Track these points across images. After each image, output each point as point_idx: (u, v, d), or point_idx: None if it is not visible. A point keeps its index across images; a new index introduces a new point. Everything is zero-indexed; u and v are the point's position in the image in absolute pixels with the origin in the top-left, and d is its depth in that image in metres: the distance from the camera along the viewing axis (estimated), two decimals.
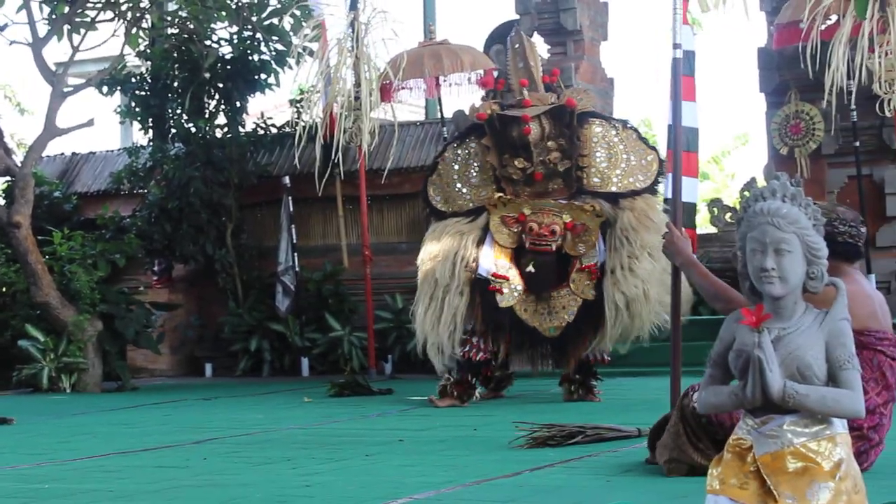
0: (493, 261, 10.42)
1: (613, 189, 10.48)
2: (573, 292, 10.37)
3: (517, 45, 10.89)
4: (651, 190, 10.52)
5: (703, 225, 18.23)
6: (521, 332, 10.44)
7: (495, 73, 12.25)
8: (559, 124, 10.43)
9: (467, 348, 10.41)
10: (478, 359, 10.42)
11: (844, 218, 5.63)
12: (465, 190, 10.75)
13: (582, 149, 10.50)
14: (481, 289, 10.41)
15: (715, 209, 15.83)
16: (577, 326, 10.38)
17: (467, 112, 10.99)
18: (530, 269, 10.36)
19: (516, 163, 10.46)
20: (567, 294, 10.38)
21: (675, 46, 7.27)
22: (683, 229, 6.60)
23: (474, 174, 10.74)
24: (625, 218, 10.32)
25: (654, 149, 10.64)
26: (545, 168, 10.45)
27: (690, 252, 5.96)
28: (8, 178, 15.26)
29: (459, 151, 10.86)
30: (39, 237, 14.35)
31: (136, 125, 16.81)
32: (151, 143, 16.22)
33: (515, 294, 10.40)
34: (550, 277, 10.42)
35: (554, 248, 10.36)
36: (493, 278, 10.38)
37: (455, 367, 10.51)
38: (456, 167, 10.81)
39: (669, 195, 10.15)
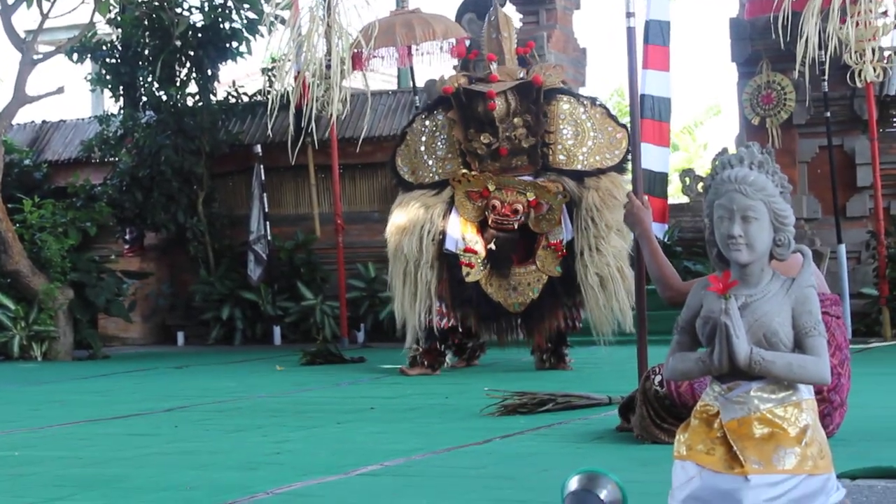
0: (461, 234, 10.42)
1: (579, 167, 10.48)
2: (539, 269, 10.39)
3: (493, 18, 10.88)
4: (619, 168, 10.53)
5: (675, 195, 18.29)
6: (487, 306, 10.45)
7: (467, 43, 12.24)
8: (525, 100, 10.41)
9: (433, 316, 10.43)
10: (443, 326, 10.45)
11: None
12: (430, 162, 10.74)
13: (549, 125, 10.48)
14: (448, 262, 10.43)
15: (687, 179, 15.87)
16: (542, 303, 10.41)
17: (437, 83, 10.96)
18: (491, 246, 10.37)
19: (482, 138, 10.44)
20: (533, 271, 10.40)
21: (629, 15, 7.29)
22: (646, 198, 6.60)
23: (441, 146, 10.73)
24: (590, 198, 10.33)
25: (623, 126, 10.62)
26: (510, 144, 10.44)
27: (649, 224, 5.95)
28: None
29: (427, 123, 10.84)
30: (9, 205, 14.29)
31: (107, 93, 16.76)
32: (122, 112, 16.15)
33: (482, 269, 10.42)
34: (512, 254, 10.45)
35: (516, 226, 10.36)
36: (462, 252, 10.39)
37: (423, 337, 10.53)
38: (423, 139, 10.80)
39: (641, 165, 10.14)
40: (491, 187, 10.41)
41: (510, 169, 10.50)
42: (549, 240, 10.39)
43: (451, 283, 10.42)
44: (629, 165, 10.58)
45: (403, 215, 10.58)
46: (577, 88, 15.53)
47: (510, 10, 15.20)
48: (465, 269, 10.38)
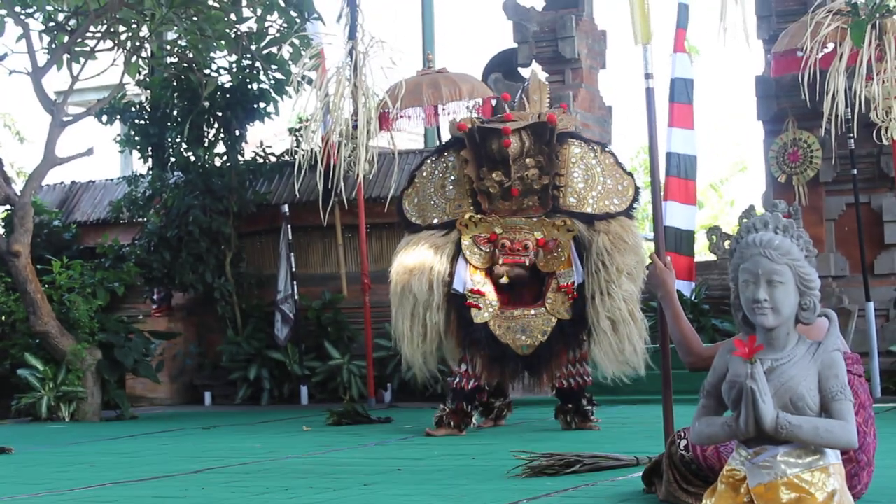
0: (469, 276, 10.44)
1: (589, 210, 10.50)
2: (548, 312, 10.37)
3: (527, 84, 11.02)
4: (627, 213, 10.56)
5: (702, 252, 18.25)
6: (495, 348, 10.43)
7: (493, 102, 12.30)
8: (539, 141, 10.46)
9: (458, 379, 10.43)
10: (469, 387, 10.44)
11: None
12: (440, 202, 10.79)
13: (560, 168, 10.51)
14: (457, 304, 10.43)
15: (714, 237, 15.84)
16: (551, 345, 10.38)
17: (450, 124, 11.05)
18: (504, 280, 10.39)
19: (494, 176, 10.47)
20: (543, 313, 10.39)
21: (647, 77, 7.30)
22: (669, 259, 6.58)
23: (450, 187, 10.78)
24: (600, 241, 10.35)
25: (630, 174, 10.70)
26: (522, 184, 10.48)
27: (672, 286, 5.91)
28: (7, 206, 15.26)
29: (436, 165, 10.91)
30: (39, 266, 14.35)
31: (136, 154, 16.84)
32: (150, 172, 16.24)
33: (490, 310, 10.42)
34: (524, 292, 10.47)
35: (527, 262, 10.39)
36: (469, 293, 10.40)
37: (450, 397, 10.52)
38: (433, 180, 10.85)
39: (667, 223, 10.13)
40: (498, 230, 10.45)
41: (520, 209, 10.54)
42: (559, 282, 10.39)
43: (459, 324, 10.41)
44: (636, 213, 10.68)
45: (411, 256, 10.58)
46: None
47: (536, 69, 15.28)
48: (473, 311, 10.38)
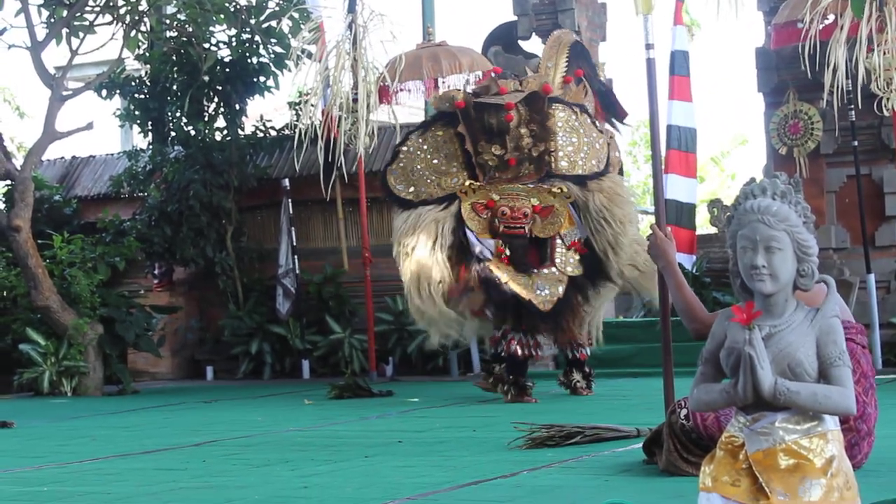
0: (482, 241, 10.59)
1: (580, 171, 10.65)
2: (560, 271, 10.50)
3: (551, 46, 11.20)
4: (605, 172, 10.75)
5: (703, 225, 18.26)
6: (518, 307, 10.50)
7: (493, 75, 12.27)
8: (532, 110, 10.55)
9: (513, 348, 10.56)
10: (521, 356, 10.57)
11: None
12: (433, 177, 10.87)
13: (550, 133, 10.61)
14: (480, 266, 10.53)
15: (715, 209, 15.85)
16: (568, 300, 10.51)
17: (441, 99, 11.18)
18: (506, 252, 10.52)
19: (493, 149, 10.60)
20: (553, 273, 10.51)
21: (648, 47, 7.26)
22: (669, 230, 6.57)
23: (443, 162, 10.87)
24: (597, 200, 10.60)
25: (602, 132, 10.88)
26: (519, 153, 10.57)
27: (673, 256, 5.91)
28: (8, 181, 15.26)
29: (424, 140, 10.99)
30: (39, 241, 14.36)
31: (136, 128, 16.83)
32: (151, 147, 16.23)
33: (509, 271, 10.55)
34: (527, 259, 10.58)
35: (526, 230, 10.50)
36: (493, 253, 10.54)
37: (507, 369, 10.63)
38: (420, 155, 10.94)
39: (668, 196, 10.14)
40: (496, 197, 10.57)
41: (517, 178, 10.65)
42: (566, 242, 10.51)
43: (486, 286, 10.49)
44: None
45: (412, 236, 10.72)
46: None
47: (536, 42, 15.24)
48: (496, 272, 10.45)
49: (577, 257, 10.56)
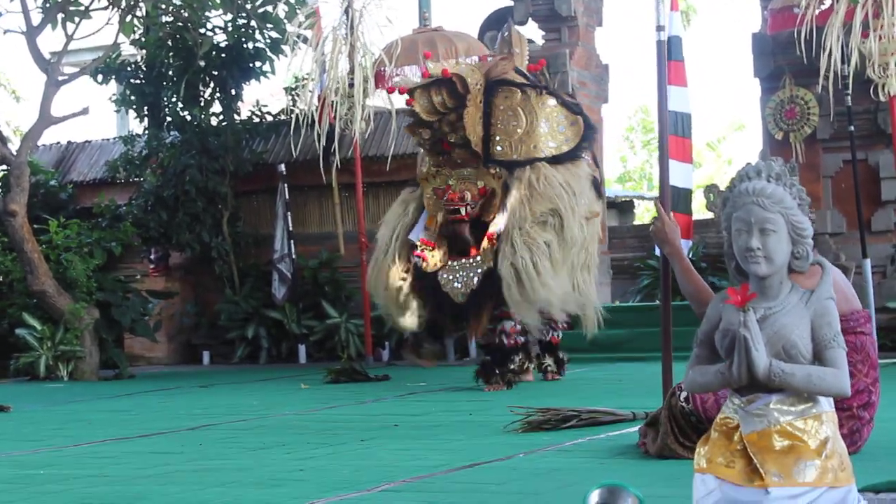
0: (424, 227, 10.62)
1: (514, 157, 10.52)
2: (481, 260, 10.42)
3: (506, 34, 11.09)
4: (571, 155, 10.55)
5: (700, 211, 18.27)
6: (439, 297, 10.52)
7: (489, 60, 12.27)
8: (454, 96, 10.50)
9: (511, 338, 10.57)
10: (513, 343, 10.60)
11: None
12: (419, 161, 11.15)
13: (492, 117, 10.55)
14: (409, 254, 10.63)
15: (711, 195, 15.85)
16: (481, 293, 10.38)
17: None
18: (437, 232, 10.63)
19: (422, 133, 10.65)
20: (476, 262, 10.43)
21: (659, 29, 7.17)
22: (673, 216, 6.54)
23: (420, 147, 11.04)
24: (514, 189, 10.35)
25: (579, 115, 10.68)
26: (455, 137, 10.55)
27: (678, 241, 5.89)
28: (3, 166, 15.27)
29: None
30: (35, 226, 14.36)
31: (132, 113, 16.84)
32: (147, 132, 16.23)
33: (439, 261, 10.52)
34: (467, 246, 10.54)
35: (464, 213, 10.46)
36: (419, 244, 10.53)
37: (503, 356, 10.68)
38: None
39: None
40: (451, 182, 10.59)
41: (464, 162, 10.64)
42: (489, 230, 10.46)
43: (415, 273, 10.56)
44: (585, 154, 10.71)
45: (390, 212, 10.98)
46: (601, 105, 15.54)
47: (532, 27, 15.25)
48: (417, 261, 10.49)
49: (492, 248, 10.36)
